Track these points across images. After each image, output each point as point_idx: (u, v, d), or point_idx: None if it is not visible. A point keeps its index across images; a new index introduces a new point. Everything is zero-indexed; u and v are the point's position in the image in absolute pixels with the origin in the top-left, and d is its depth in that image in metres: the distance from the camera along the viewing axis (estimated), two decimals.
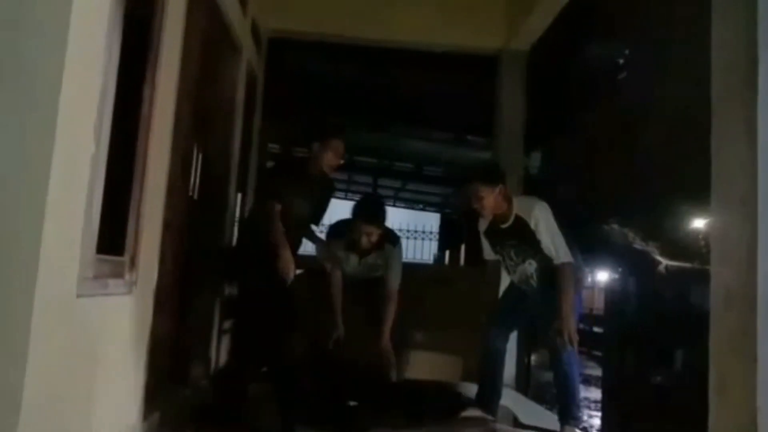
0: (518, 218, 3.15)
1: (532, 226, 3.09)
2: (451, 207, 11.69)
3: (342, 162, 3.33)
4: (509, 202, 3.19)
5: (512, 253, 3.27)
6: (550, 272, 3.12)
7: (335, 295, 3.65)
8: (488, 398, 3.35)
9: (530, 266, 3.23)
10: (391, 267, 3.66)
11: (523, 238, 3.16)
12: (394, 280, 3.64)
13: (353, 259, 3.69)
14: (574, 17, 4.27)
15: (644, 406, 7.99)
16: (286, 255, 2.96)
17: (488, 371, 3.37)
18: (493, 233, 3.31)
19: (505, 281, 3.63)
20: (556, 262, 3.07)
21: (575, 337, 3.02)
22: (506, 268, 3.38)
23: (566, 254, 3.07)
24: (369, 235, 3.51)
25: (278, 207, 3.06)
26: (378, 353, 3.54)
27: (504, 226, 3.21)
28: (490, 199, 3.14)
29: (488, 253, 3.41)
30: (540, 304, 3.22)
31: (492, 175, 3.21)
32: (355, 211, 3.58)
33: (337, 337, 3.58)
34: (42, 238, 1.47)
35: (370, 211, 3.58)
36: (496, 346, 3.35)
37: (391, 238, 3.70)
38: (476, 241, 3.55)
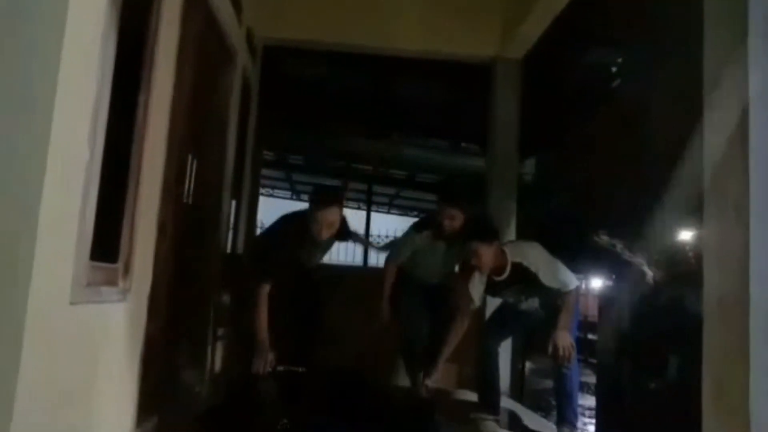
0: (515, 266, 3.23)
1: (533, 270, 3.19)
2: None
3: (333, 231, 3.29)
4: (502, 253, 3.26)
5: (515, 297, 3.38)
6: (554, 299, 3.27)
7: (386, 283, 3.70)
8: (490, 398, 3.49)
9: (534, 302, 3.37)
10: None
11: (523, 282, 3.25)
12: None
13: (440, 248, 3.68)
14: (567, 25, 4.30)
15: (639, 412, 7.97)
16: (263, 346, 3.10)
17: (488, 373, 3.49)
18: (492, 286, 3.36)
19: None
20: (565, 290, 3.20)
21: (571, 352, 3.15)
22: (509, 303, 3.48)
23: (573, 280, 3.22)
24: (452, 218, 3.51)
25: (266, 288, 3.13)
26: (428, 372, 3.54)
27: (501, 278, 3.28)
28: (488, 256, 3.20)
29: (478, 300, 3.43)
30: (545, 314, 3.35)
31: (488, 233, 3.28)
32: (438, 192, 3.67)
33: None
34: (35, 245, 1.46)
35: (451, 193, 3.68)
36: (494, 351, 3.48)
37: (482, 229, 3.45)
38: None
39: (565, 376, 3.20)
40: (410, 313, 3.79)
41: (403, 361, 3.93)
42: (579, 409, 3.56)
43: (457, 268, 3.87)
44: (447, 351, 3.47)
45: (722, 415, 1.57)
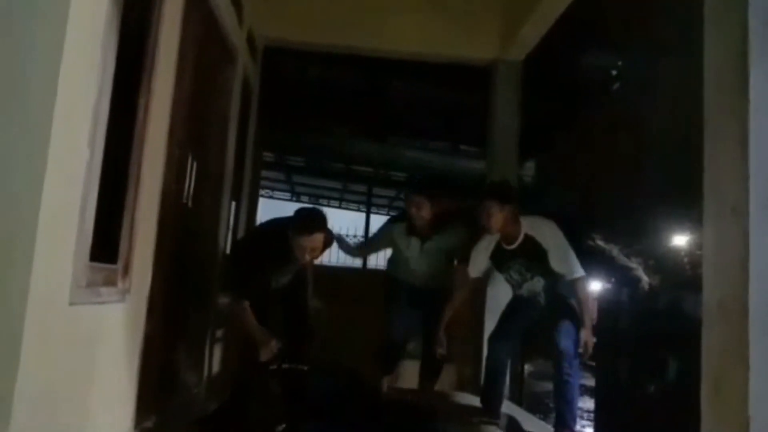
0: (527, 238, 3.16)
1: (544, 246, 3.12)
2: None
3: (315, 255, 3.23)
4: (517, 222, 3.18)
5: (520, 272, 3.28)
6: (556, 288, 3.21)
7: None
8: (492, 403, 3.44)
9: (538, 283, 3.27)
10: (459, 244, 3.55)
11: (532, 257, 3.18)
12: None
13: (414, 244, 3.65)
14: (568, 28, 4.30)
15: (637, 414, 7.98)
16: (263, 337, 3.09)
17: (492, 379, 3.43)
18: (500, 253, 3.27)
19: (499, 291, 3.65)
20: (570, 277, 3.13)
21: (591, 348, 3.12)
22: (511, 285, 3.39)
23: (579, 270, 3.14)
24: (419, 206, 3.48)
25: (246, 304, 3.08)
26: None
27: (511, 246, 3.20)
28: (499, 218, 3.13)
29: (477, 270, 3.36)
30: (548, 318, 3.27)
31: (505, 193, 3.20)
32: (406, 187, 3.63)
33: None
34: (35, 245, 1.47)
35: (418, 182, 3.65)
36: (501, 357, 3.42)
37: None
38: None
39: (567, 383, 3.15)
40: (392, 319, 3.76)
41: (378, 360, 3.85)
42: (578, 412, 3.55)
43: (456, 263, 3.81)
44: (442, 322, 3.42)
45: (721, 416, 1.57)
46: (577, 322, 3.18)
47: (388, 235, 3.78)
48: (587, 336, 3.10)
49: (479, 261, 3.33)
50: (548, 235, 3.14)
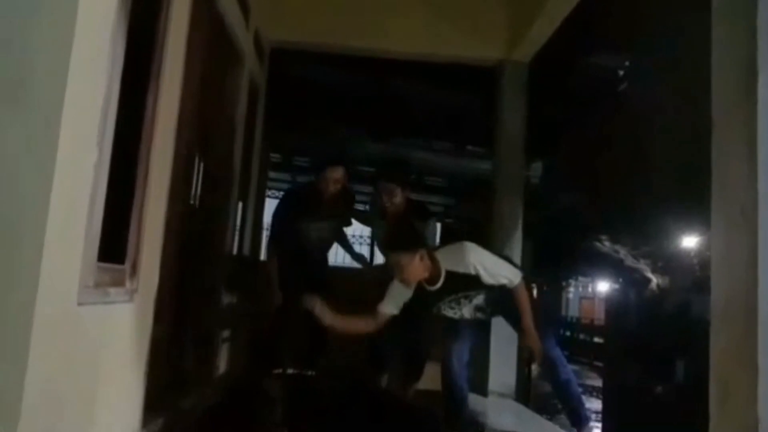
0: (450, 274, 2.97)
1: (472, 272, 2.93)
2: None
3: (339, 187, 3.65)
4: (433, 260, 2.97)
5: (452, 306, 3.10)
6: (500, 295, 3.05)
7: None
8: (454, 413, 3.22)
9: (477, 301, 3.09)
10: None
11: (461, 287, 3.02)
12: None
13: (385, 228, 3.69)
14: (575, 29, 4.30)
15: (645, 416, 7.96)
16: (273, 288, 3.61)
17: (452, 396, 3.20)
18: (424, 295, 3.04)
19: None
20: (511, 286, 3.00)
21: (540, 352, 3.02)
22: (448, 317, 3.16)
23: (516, 275, 3.01)
24: (390, 196, 3.59)
25: (275, 263, 3.64)
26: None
27: (435, 287, 3.00)
28: (414, 268, 2.91)
29: (389, 307, 3.07)
30: (516, 328, 3.19)
31: (409, 242, 2.98)
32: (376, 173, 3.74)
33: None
34: (44, 246, 1.47)
35: (387, 169, 3.80)
36: (454, 364, 3.20)
37: (421, 212, 3.78)
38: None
39: (568, 382, 3.10)
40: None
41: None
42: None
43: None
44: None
45: (729, 418, 1.56)
46: (547, 320, 3.12)
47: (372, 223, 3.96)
48: (532, 342, 2.97)
49: (394, 300, 3.05)
50: (472, 261, 2.93)
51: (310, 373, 3.30)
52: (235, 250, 4.13)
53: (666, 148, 6.73)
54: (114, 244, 2.02)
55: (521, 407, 4.23)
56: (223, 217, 3.71)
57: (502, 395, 4.22)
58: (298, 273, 3.63)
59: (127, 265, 2.12)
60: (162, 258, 2.46)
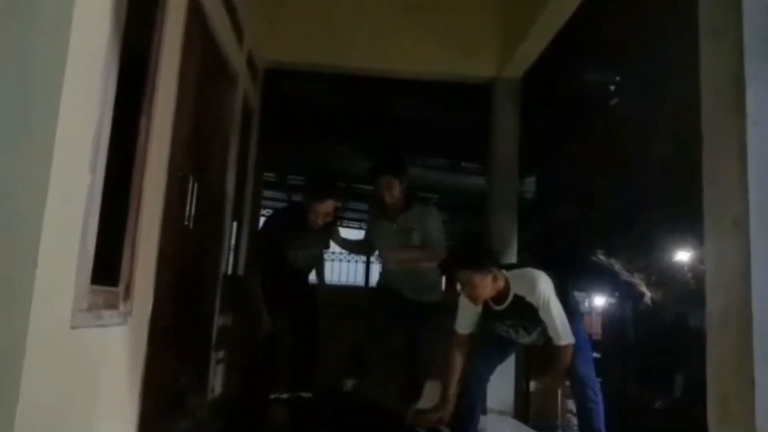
0: (516, 298, 2.94)
1: (536, 304, 2.89)
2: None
3: (327, 220, 3.54)
4: (504, 280, 2.94)
5: (512, 332, 3.08)
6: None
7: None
8: (464, 426, 3.22)
9: (533, 337, 3.09)
10: (428, 226, 3.56)
11: (523, 317, 2.97)
12: (434, 238, 3.54)
13: (386, 226, 3.66)
14: (566, 45, 4.34)
15: (645, 430, 7.90)
16: (262, 312, 3.44)
17: (469, 402, 3.21)
18: (487, 315, 3.04)
19: None
20: (556, 343, 2.94)
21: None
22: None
23: (567, 335, 2.93)
24: (390, 189, 3.52)
25: (257, 279, 3.49)
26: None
27: (500, 307, 2.97)
28: (484, 287, 2.88)
29: (464, 326, 3.12)
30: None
31: (484, 259, 2.96)
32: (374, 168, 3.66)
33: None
34: (36, 269, 1.46)
35: (386, 162, 3.67)
36: (480, 379, 3.23)
37: (421, 200, 3.77)
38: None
39: (593, 411, 2.97)
40: (371, 325, 3.70)
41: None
42: None
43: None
44: (448, 393, 3.15)
45: (728, 430, 1.55)
46: (587, 343, 3.05)
47: (370, 226, 3.89)
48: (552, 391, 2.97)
49: (467, 317, 3.09)
50: (542, 292, 2.89)
51: (305, 395, 3.26)
52: (229, 271, 4.12)
53: (659, 161, 6.77)
54: (107, 266, 2.01)
55: (520, 425, 4.19)
56: (217, 238, 3.71)
57: (501, 413, 4.19)
58: (282, 293, 3.57)
59: (121, 288, 2.11)
60: (156, 280, 2.45)
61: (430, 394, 3.65)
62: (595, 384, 3.01)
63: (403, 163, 3.87)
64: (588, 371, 3.03)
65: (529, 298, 2.91)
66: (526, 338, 3.12)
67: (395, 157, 3.94)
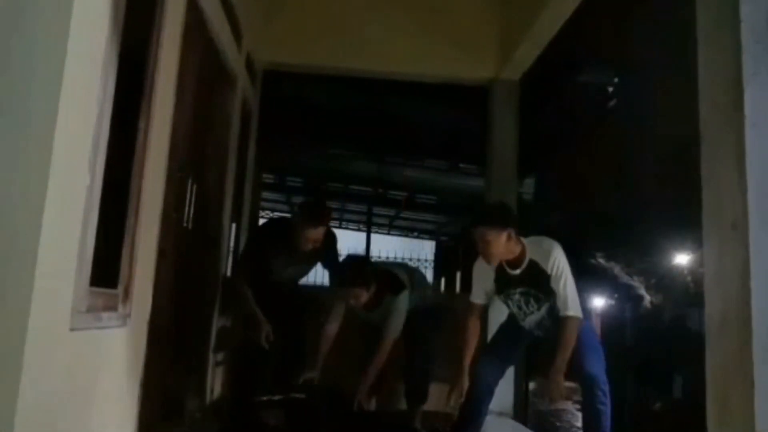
0: (532, 263, 2.91)
1: (550, 271, 2.87)
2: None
3: (318, 245, 3.44)
4: (521, 245, 2.92)
5: (522, 302, 3.03)
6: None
7: (323, 343, 3.48)
8: (471, 422, 3.17)
9: (543, 313, 3.03)
10: (390, 317, 3.45)
11: (536, 285, 2.93)
12: (390, 332, 3.44)
13: (359, 312, 3.59)
14: (564, 47, 4.35)
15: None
16: (258, 318, 3.41)
17: (474, 403, 3.15)
18: (503, 278, 3.00)
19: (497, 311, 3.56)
20: (563, 313, 2.89)
21: (559, 393, 2.91)
22: (514, 314, 3.15)
23: (576, 308, 2.89)
24: (357, 298, 3.40)
25: (247, 288, 3.45)
26: (356, 393, 3.42)
27: (515, 272, 2.94)
28: (498, 245, 2.84)
29: (479, 296, 3.11)
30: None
31: (500, 217, 2.93)
32: (341, 276, 3.51)
33: (309, 378, 3.41)
34: (35, 271, 1.46)
35: (350, 275, 3.46)
36: (488, 381, 3.15)
37: (394, 287, 3.49)
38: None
39: (601, 412, 2.89)
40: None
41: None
42: None
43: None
44: (466, 358, 3.10)
45: None
46: (599, 344, 2.97)
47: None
48: (554, 382, 2.87)
49: (482, 285, 3.06)
50: (556, 259, 2.87)
51: (299, 395, 3.23)
52: (228, 272, 4.11)
53: (657, 163, 6.78)
54: (106, 268, 2.01)
55: (520, 426, 4.19)
56: (216, 239, 3.70)
57: (500, 414, 4.19)
58: (271, 298, 3.53)
59: (120, 290, 2.10)
60: (155, 282, 2.45)
61: (436, 396, 3.66)
62: (605, 385, 2.94)
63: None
64: (599, 371, 2.96)
65: (543, 265, 2.89)
66: (535, 314, 3.03)
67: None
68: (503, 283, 3.04)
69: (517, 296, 3.04)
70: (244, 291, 3.47)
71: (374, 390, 3.69)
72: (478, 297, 3.12)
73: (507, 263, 2.95)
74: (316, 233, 3.37)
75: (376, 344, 3.46)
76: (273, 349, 3.44)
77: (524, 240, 2.96)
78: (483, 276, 3.07)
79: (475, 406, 3.14)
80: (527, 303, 3.03)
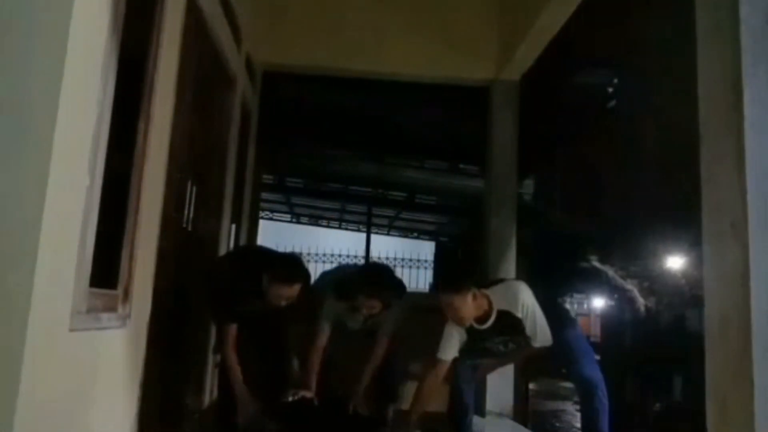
0: (500, 313, 2.98)
1: (520, 314, 2.97)
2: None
3: (289, 303, 3.00)
4: (486, 299, 2.98)
5: (501, 346, 3.13)
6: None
7: (313, 356, 3.29)
8: (458, 418, 3.33)
9: (520, 347, 3.17)
10: (388, 316, 3.36)
11: (510, 331, 3.02)
12: (387, 328, 3.39)
13: (357, 317, 3.44)
14: (563, 47, 4.34)
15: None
16: (244, 397, 2.94)
17: (458, 404, 3.32)
18: (473, 334, 3.03)
19: None
20: (533, 344, 3.05)
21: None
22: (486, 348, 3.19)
23: (545, 339, 3.03)
24: (371, 308, 3.24)
25: (233, 329, 2.98)
26: (352, 392, 3.37)
27: (485, 326, 2.99)
28: (467, 308, 2.91)
29: (447, 353, 3.04)
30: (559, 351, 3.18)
31: (462, 280, 3.00)
32: (359, 283, 3.27)
33: (298, 395, 3.18)
34: (35, 272, 1.46)
35: (374, 285, 3.27)
36: (465, 384, 3.30)
37: (397, 292, 3.38)
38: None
39: (599, 412, 2.97)
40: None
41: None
42: None
43: None
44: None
45: None
46: (589, 346, 3.10)
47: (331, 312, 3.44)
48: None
49: (451, 345, 3.04)
50: (524, 302, 2.98)
51: (310, 396, 3.20)
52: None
53: (656, 163, 6.78)
54: (106, 269, 2.01)
55: (519, 427, 4.19)
56: (215, 240, 3.70)
57: (499, 415, 4.19)
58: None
59: (120, 291, 2.10)
60: (154, 283, 2.45)
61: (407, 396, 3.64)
62: (602, 385, 3.00)
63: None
64: (594, 372, 3.04)
65: (513, 311, 2.98)
66: (514, 350, 3.20)
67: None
68: (478, 340, 3.07)
69: (494, 345, 3.13)
70: (230, 363, 3.00)
71: (369, 393, 3.66)
72: (445, 354, 3.06)
73: (475, 320, 2.99)
74: (292, 291, 2.95)
75: (370, 348, 3.42)
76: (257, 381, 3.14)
77: (487, 292, 3.02)
78: (454, 335, 3.05)
79: (460, 405, 3.32)
80: (506, 345, 3.14)
